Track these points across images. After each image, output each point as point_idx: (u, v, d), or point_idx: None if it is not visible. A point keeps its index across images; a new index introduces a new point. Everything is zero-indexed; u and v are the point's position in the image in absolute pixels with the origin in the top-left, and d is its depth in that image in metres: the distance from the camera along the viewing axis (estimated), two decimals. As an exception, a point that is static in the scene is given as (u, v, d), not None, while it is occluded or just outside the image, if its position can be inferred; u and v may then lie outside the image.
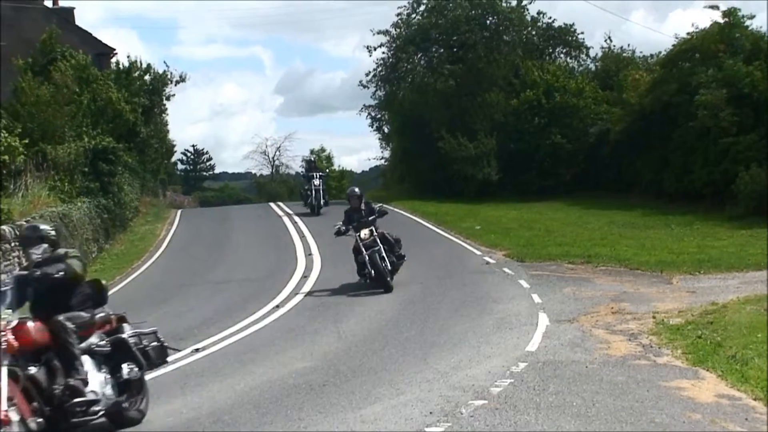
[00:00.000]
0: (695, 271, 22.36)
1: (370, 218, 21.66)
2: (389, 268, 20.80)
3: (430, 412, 10.56)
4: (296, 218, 36.93)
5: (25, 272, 10.47)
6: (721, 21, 39.58)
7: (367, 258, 20.63)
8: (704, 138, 36.50)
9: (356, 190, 23.64)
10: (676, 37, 42.25)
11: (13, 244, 21.10)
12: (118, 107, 38.47)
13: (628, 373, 12.41)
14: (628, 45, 55.92)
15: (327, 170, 38.43)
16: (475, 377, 12.24)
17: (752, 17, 39.74)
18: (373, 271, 20.50)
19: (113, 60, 46.36)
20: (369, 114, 57.38)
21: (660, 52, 46.54)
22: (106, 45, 47.79)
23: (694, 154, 37.15)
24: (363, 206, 22.30)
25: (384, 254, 20.74)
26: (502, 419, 10.15)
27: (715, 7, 40.01)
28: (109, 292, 22.90)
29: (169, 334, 17.00)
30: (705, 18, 60.93)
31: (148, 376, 13.48)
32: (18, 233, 19.56)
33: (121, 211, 34.69)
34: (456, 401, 10.99)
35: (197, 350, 15.53)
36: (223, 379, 13.24)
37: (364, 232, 21.13)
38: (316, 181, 38.00)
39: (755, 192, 32.66)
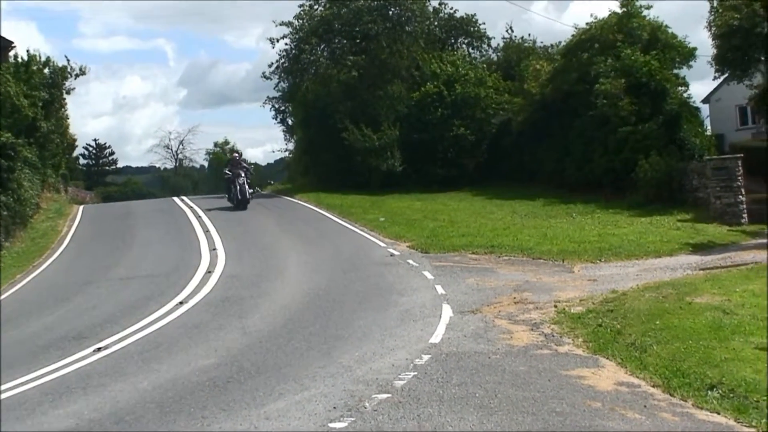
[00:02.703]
0: (596, 259, 22.76)
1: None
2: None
3: (334, 407, 10.52)
4: (200, 212, 36.60)
5: None
6: (619, 11, 40.32)
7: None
8: (604, 127, 37.15)
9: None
10: (576, 28, 43.02)
11: None
12: (16, 102, 37.60)
13: (530, 363, 12.53)
14: (529, 35, 56.85)
15: (252, 164, 38.56)
16: (379, 371, 12.24)
17: (649, 7, 40.67)
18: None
19: (11, 53, 45.35)
20: (273, 106, 57.52)
21: (560, 42, 47.32)
22: (3, 38, 46.74)
23: (593, 143, 37.75)
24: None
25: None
26: (405, 412, 10.16)
27: (613, -3, 40.74)
28: (10, 291, 22.81)
29: (71, 333, 16.86)
30: (603, 8, 62.02)
31: (49, 377, 13.34)
32: None
33: (21, 208, 33.89)
34: (360, 395, 10.97)
35: (99, 349, 15.24)
36: (125, 379, 13.01)
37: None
38: (240, 179, 37.84)
39: (654, 179, 33.38)
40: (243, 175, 37.94)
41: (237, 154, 40.37)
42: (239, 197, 37.47)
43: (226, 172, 39.01)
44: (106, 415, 11.10)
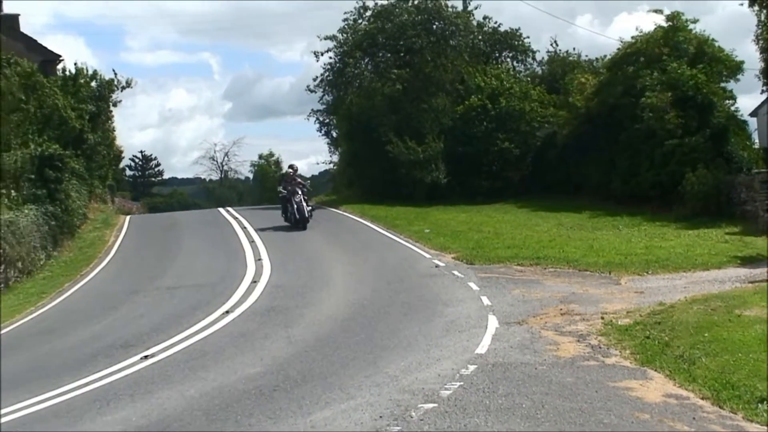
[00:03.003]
0: (643, 271, 22.57)
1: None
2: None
3: (380, 416, 10.55)
4: (245, 223, 36.76)
5: None
6: (665, 25, 40.05)
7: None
8: (650, 140, 36.87)
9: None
10: (621, 41, 42.80)
11: None
12: (64, 114, 38.08)
13: (577, 374, 12.49)
14: (574, 48, 56.76)
15: (308, 180, 36.15)
16: (425, 380, 12.25)
17: (696, 21, 40.34)
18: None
19: (59, 66, 45.95)
20: (317, 119, 57.59)
21: (605, 56, 47.09)
22: (51, 52, 47.43)
23: (640, 156, 37.50)
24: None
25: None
26: (451, 422, 10.17)
27: (659, 11, 40.59)
28: (58, 300, 23.04)
29: (119, 341, 17.00)
30: (649, 22, 61.48)
31: (97, 384, 13.47)
32: None
33: (68, 218, 34.27)
34: (406, 405, 10.99)
35: (146, 357, 15.37)
36: (172, 386, 13.12)
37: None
38: (297, 197, 34.09)
39: (701, 192, 33.12)
40: (300, 192, 34.36)
41: (292, 170, 37.18)
42: (297, 216, 33.96)
43: (281, 190, 35.39)
44: (154, 422, 11.21)
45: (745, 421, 10.17)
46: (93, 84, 44.56)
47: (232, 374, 13.61)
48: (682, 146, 35.58)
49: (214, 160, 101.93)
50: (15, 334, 19.77)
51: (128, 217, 44.09)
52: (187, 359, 15.03)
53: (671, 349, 13.59)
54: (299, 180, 35.67)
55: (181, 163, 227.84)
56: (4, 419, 11.95)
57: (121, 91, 46.22)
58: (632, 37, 41.50)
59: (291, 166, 37.25)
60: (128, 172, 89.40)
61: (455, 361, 13.43)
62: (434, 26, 47.78)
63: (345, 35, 47.64)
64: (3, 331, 20.02)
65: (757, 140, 46.93)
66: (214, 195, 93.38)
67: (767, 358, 12.23)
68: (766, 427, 9.92)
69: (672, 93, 36.60)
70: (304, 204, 34.16)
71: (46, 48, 47.17)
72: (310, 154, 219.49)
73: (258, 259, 26.54)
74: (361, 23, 48.12)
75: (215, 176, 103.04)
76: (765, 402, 10.60)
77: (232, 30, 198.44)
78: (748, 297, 17.58)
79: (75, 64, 44.67)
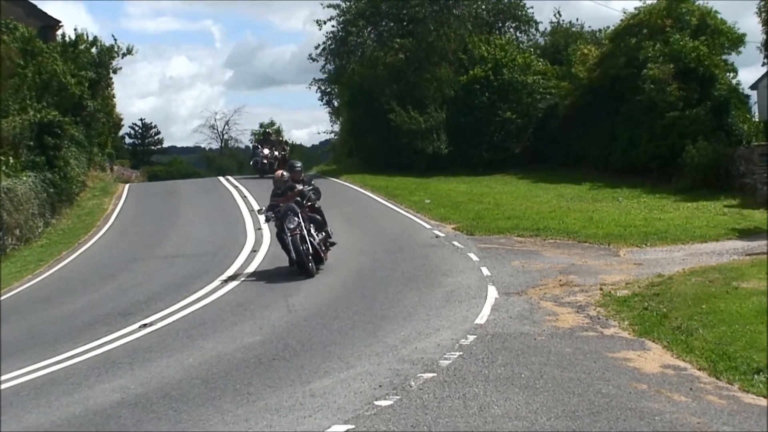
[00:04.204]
0: (642, 243, 22.60)
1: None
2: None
3: (380, 386, 10.60)
4: (246, 192, 36.75)
5: None
6: (669, -4, 39.94)
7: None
8: (651, 112, 36.81)
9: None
10: (624, 12, 42.56)
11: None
12: (63, 80, 37.91)
13: (576, 344, 12.55)
14: (577, 20, 56.66)
15: (287, 146, 34.99)
16: (425, 350, 12.30)
17: (698, -8, 40.11)
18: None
19: (59, 32, 45.83)
20: (319, 88, 57.47)
21: (608, 27, 46.92)
22: (51, 17, 47.30)
23: (640, 128, 37.42)
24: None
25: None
26: (450, 392, 10.21)
27: (662, -17, 40.37)
28: (56, 268, 23.07)
29: (117, 309, 17.04)
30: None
31: (95, 352, 13.53)
32: None
33: (67, 186, 34.22)
34: (405, 374, 11.04)
35: (145, 325, 15.42)
36: (171, 355, 13.17)
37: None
38: (293, 222, 19.29)
39: (701, 165, 33.12)
40: (296, 212, 19.48)
41: (271, 133, 36.34)
42: (294, 257, 19.41)
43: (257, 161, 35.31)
44: (152, 390, 11.24)
45: (742, 392, 10.22)
46: (93, 50, 44.46)
47: (231, 343, 13.65)
48: (682, 118, 35.51)
49: (214, 128, 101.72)
50: (13, 301, 19.85)
51: (127, 186, 44.04)
52: (186, 328, 15.08)
53: (669, 321, 13.66)
54: (281, 145, 31.70)
55: (181, 132, 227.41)
56: (3, 386, 12.00)
57: (122, 58, 46.20)
58: (635, 9, 41.41)
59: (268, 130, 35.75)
60: (128, 140, 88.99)
61: (455, 331, 13.48)
62: (438, -5, 47.60)
63: (348, 3, 47.48)
64: (1, 299, 20.07)
65: (757, 113, 46.87)
66: (214, 164, 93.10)
67: (766, 329, 12.27)
68: (762, 398, 9.96)
69: (674, 65, 36.51)
70: (306, 234, 19.45)
71: (45, 13, 47.08)
72: (311, 123, 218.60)
73: (258, 229, 26.53)
74: (365, -9, 47.94)
75: (215, 145, 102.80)
76: (761, 373, 10.66)
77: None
78: (746, 269, 17.60)
79: (75, 29, 44.58)
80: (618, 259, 20.72)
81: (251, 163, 38.85)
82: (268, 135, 40.38)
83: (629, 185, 35.41)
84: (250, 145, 37.68)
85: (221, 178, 46.88)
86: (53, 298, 19.58)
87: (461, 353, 11.99)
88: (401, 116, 43.95)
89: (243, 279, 19.44)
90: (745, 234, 23.77)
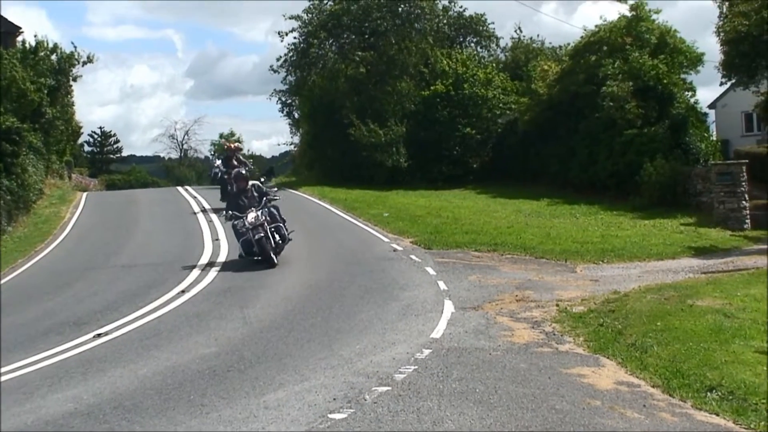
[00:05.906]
0: (599, 260, 22.75)
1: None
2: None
3: (334, 399, 10.56)
4: (204, 203, 36.61)
5: None
6: (629, 14, 40.31)
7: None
8: (610, 129, 37.18)
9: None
10: (585, 30, 42.91)
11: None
12: (22, 87, 37.63)
13: (531, 360, 12.56)
14: (538, 36, 57.00)
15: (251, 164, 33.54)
16: (380, 364, 12.26)
17: (658, 12, 40.70)
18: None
19: (19, 39, 45.53)
20: (280, 99, 57.50)
21: (569, 44, 47.37)
22: (12, 23, 46.98)
23: (599, 145, 37.73)
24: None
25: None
26: (405, 405, 10.19)
27: (622, 1, 40.76)
28: (12, 276, 22.81)
29: (72, 318, 16.88)
30: (613, 11, 61.96)
31: (48, 362, 13.39)
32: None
33: (24, 193, 33.93)
34: (360, 387, 11.00)
35: (99, 335, 15.28)
36: (125, 365, 13.03)
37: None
38: (258, 233, 21.78)
39: (659, 183, 33.45)
40: (261, 221, 21.76)
41: (236, 147, 35.14)
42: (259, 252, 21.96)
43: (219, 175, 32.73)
44: (106, 400, 11.13)
45: (694, 410, 10.27)
46: (53, 57, 44.18)
47: (186, 354, 13.55)
48: (641, 136, 35.89)
49: (174, 138, 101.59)
50: (-34, 309, 19.59)
51: (85, 194, 43.82)
52: (140, 338, 14.94)
53: (624, 337, 13.71)
54: (243, 163, 32.35)
55: (140, 141, 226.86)
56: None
57: (82, 65, 45.97)
58: (596, 26, 41.81)
59: (231, 143, 36.11)
60: (86, 149, 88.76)
61: (410, 345, 13.45)
62: (399, 9, 47.83)
63: (310, 15, 47.65)
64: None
65: (714, 133, 47.39)
66: (173, 174, 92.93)
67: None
68: (714, 415, 10.03)
69: (633, 83, 36.88)
70: (270, 234, 21.96)
71: (6, 19, 46.78)
72: (271, 134, 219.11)
73: (215, 239, 26.45)
74: (327, 3, 48.22)
75: (175, 155, 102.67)
76: (714, 391, 10.72)
77: (196, 8, 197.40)
78: (701, 287, 17.78)
79: (35, 36, 44.39)
80: (574, 275, 20.81)
81: (210, 174, 38.73)
82: (232, 153, 37.55)
83: (587, 202, 35.66)
84: (210, 156, 37.24)
85: (180, 188, 46.72)
86: (7, 306, 19.34)
87: (416, 367, 11.97)
88: (360, 130, 44.03)
89: (199, 289, 19.33)
90: (701, 252, 24.02)
